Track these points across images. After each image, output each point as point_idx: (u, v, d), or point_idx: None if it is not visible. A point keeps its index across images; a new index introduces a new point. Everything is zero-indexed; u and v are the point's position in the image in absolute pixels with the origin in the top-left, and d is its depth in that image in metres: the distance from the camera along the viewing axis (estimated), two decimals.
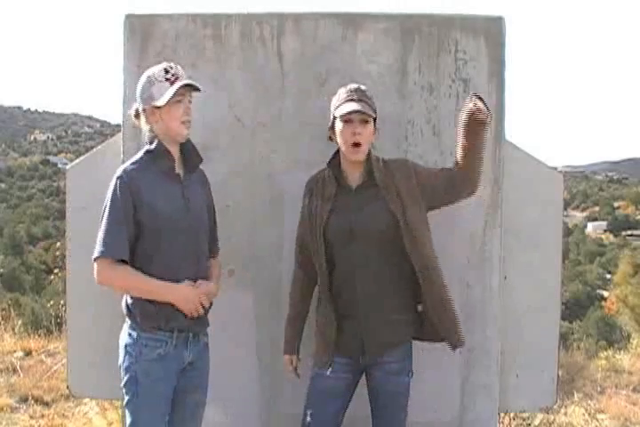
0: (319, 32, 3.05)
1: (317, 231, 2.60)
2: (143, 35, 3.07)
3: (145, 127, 2.51)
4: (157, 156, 2.46)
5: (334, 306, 2.61)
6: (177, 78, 2.44)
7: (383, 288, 2.58)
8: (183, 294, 2.43)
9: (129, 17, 3.08)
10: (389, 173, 2.59)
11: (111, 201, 2.40)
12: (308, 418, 2.63)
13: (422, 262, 2.55)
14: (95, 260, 2.39)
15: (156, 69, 2.47)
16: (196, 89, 2.49)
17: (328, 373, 2.62)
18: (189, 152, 2.56)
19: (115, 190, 2.40)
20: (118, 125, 3.19)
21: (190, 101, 2.49)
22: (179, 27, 3.06)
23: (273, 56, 3.06)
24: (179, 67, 2.49)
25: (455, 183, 2.58)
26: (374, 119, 2.58)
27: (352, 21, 3.05)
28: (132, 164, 2.47)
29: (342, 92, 2.59)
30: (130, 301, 2.45)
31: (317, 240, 2.61)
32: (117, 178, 2.42)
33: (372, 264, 2.57)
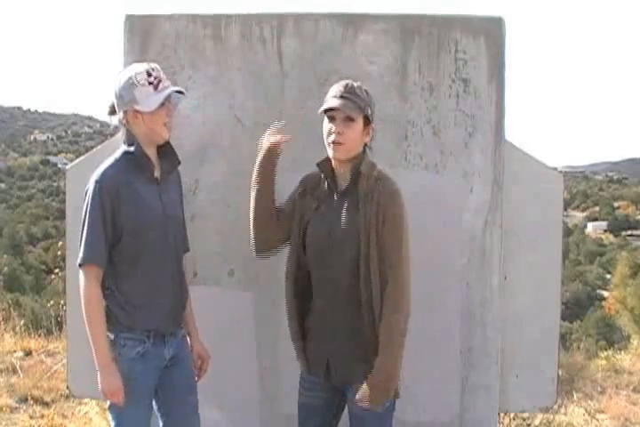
0: (319, 32, 3.05)
1: (299, 229, 2.51)
2: (143, 35, 3.07)
3: (122, 127, 2.49)
4: (137, 159, 2.45)
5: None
6: (159, 81, 2.41)
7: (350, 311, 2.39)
8: (105, 379, 2.38)
9: (129, 17, 3.08)
10: (374, 189, 2.37)
11: (90, 206, 2.38)
12: None
13: (368, 294, 2.32)
14: (80, 266, 2.38)
15: (137, 70, 2.41)
16: (180, 92, 2.47)
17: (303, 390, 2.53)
18: (168, 154, 2.53)
19: (93, 195, 2.38)
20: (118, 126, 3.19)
21: (170, 102, 2.46)
22: (179, 27, 3.06)
23: (273, 56, 3.06)
24: (159, 68, 2.46)
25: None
26: (367, 117, 2.40)
27: (352, 22, 3.05)
28: (111, 166, 2.44)
29: (333, 88, 2.45)
30: (105, 303, 2.43)
31: (297, 237, 2.51)
32: (96, 182, 2.39)
33: (344, 279, 2.38)
